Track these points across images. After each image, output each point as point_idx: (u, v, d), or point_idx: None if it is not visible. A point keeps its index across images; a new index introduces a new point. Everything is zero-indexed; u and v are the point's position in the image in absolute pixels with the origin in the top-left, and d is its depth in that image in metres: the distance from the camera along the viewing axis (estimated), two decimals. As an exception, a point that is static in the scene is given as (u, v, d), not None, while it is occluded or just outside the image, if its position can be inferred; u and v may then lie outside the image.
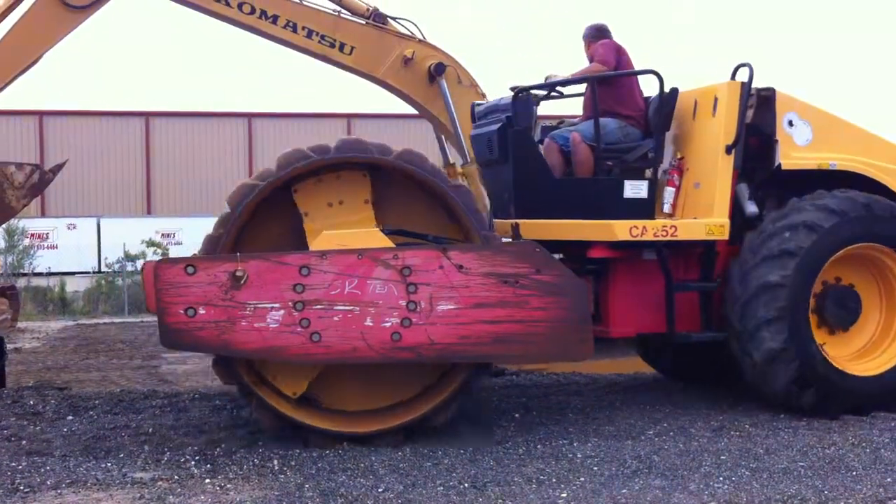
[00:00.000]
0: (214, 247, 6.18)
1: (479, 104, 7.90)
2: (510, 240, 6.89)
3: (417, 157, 6.38)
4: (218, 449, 6.28)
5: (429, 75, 8.82)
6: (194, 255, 6.25)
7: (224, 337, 5.88)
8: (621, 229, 6.88)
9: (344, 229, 6.31)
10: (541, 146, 7.46)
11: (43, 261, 25.86)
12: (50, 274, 25.22)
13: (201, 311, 5.85)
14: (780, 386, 6.98)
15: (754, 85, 7.29)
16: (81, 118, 33.45)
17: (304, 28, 8.53)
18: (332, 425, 6.34)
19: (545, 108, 8.14)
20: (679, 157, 7.49)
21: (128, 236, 25.07)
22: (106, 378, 10.21)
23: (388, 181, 6.52)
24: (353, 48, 8.67)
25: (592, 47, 7.66)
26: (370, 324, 5.99)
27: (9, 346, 10.64)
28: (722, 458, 5.93)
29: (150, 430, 6.97)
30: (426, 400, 6.47)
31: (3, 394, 8.59)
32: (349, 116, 34.76)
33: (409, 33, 8.84)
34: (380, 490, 5.29)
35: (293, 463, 5.90)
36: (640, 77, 7.55)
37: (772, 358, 6.90)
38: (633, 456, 5.99)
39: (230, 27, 8.53)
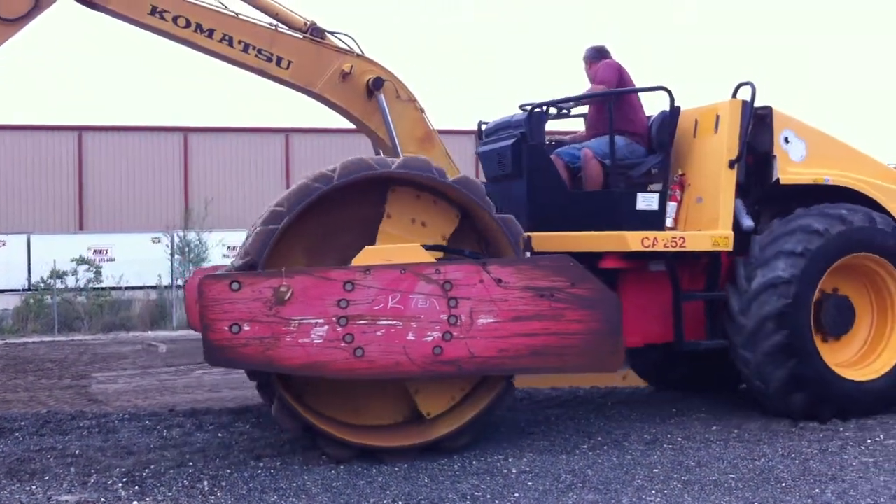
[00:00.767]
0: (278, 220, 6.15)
1: (486, 122, 8.27)
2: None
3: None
4: (146, 470, 6.15)
5: (367, 90, 8.78)
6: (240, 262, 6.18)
7: (269, 353, 5.85)
8: (634, 240, 7.13)
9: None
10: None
11: (-30, 279, 25.25)
12: (-23, 292, 24.62)
13: (246, 327, 5.82)
14: (775, 384, 7.20)
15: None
16: (12, 132, 32.70)
17: (240, 42, 8.41)
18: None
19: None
20: (680, 173, 7.83)
21: (58, 253, 24.53)
22: (34, 398, 9.97)
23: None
24: (290, 62, 8.58)
25: (594, 68, 8.04)
26: (412, 338, 6.05)
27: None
28: (655, 471, 5.97)
29: (77, 451, 6.79)
30: (452, 418, 6.52)
31: (-77, 416, 8.33)
32: (287, 131, 34.54)
33: (348, 48, 8.81)
34: (312, 510, 5.23)
35: (224, 483, 5.80)
36: (645, 95, 7.91)
37: (771, 354, 7.15)
38: (567, 470, 6.00)
39: (166, 41, 8.41)
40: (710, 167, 7.63)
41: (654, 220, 7.48)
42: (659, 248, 7.21)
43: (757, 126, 7.71)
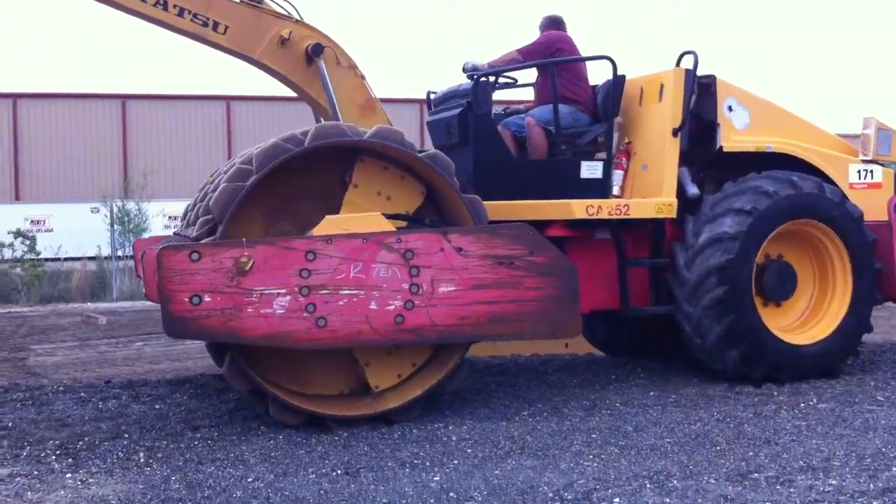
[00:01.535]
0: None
1: (434, 92, 8.24)
2: None
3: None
4: (81, 443, 6.06)
5: (306, 56, 8.65)
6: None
7: (230, 324, 5.78)
8: (578, 208, 7.18)
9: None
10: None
11: None
12: None
13: (207, 298, 5.73)
14: (712, 339, 7.36)
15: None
16: (-58, 100, 31.90)
17: (175, 6, 8.20)
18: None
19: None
20: (627, 141, 7.90)
21: (-7, 223, 24.01)
22: (-34, 372, 9.74)
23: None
24: (227, 27, 8.40)
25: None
26: (374, 307, 6.06)
27: None
28: (593, 436, 6.02)
29: (10, 424, 6.66)
30: (400, 393, 6.52)
31: None
32: (228, 99, 34.09)
33: (286, 13, 8.66)
34: (249, 480, 5.18)
35: (160, 455, 5.73)
36: (591, 65, 7.95)
37: (711, 307, 7.28)
38: (506, 437, 6.03)
39: (100, 5, 8.19)
40: (654, 135, 7.71)
41: (598, 188, 7.54)
42: (603, 215, 7.27)
43: (701, 94, 7.78)
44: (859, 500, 4.60)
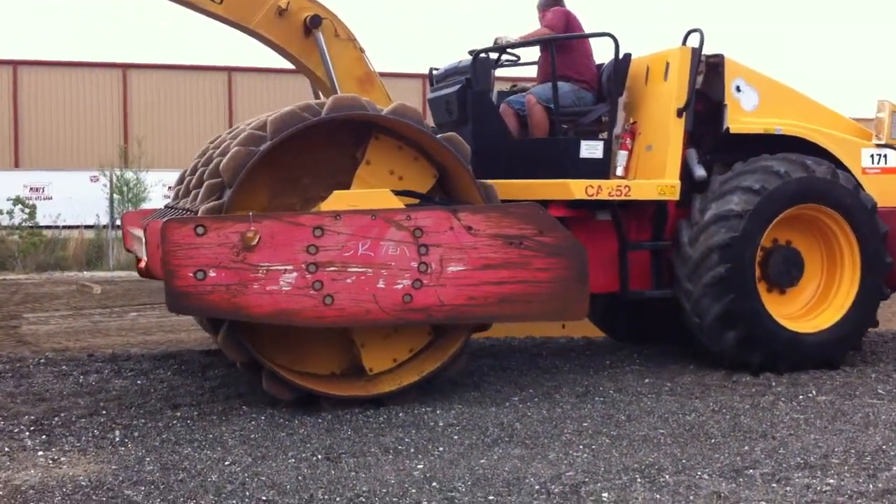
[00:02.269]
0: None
1: (436, 69, 8.07)
2: None
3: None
4: (56, 419, 5.89)
5: (304, 28, 8.46)
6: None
7: (235, 300, 5.62)
8: (577, 188, 7.01)
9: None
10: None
11: None
12: None
13: (211, 273, 5.57)
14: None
15: (705, 52, 7.49)
16: (-58, 65, 31.61)
17: (173, -25, 8.02)
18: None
19: (500, 73, 8.28)
20: (632, 121, 7.71)
21: (-7, 190, 23.82)
22: (-46, 340, 9.58)
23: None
24: None
25: (545, 14, 7.85)
26: (382, 286, 5.91)
27: None
28: (584, 424, 5.84)
29: (-13, 397, 6.50)
30: (395, 377, 6.37)
31: None
32: (230, 70, 33.78)
33: None
34: (226, 463, 5.00)
35: (136, 434, 5.56)
36: (594, 43, 7.75)
37: (711, 285, 7.10)
38: (495, 423, 5.85)
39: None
40: (659, 115, 7.51)
41: (599, 168, 7.36)
42: (603, 196, 7.10)
43: (708, 74, 7.59)
44: (857, 501, 4.40)
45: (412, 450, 5.30)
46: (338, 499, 4.44)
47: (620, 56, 7.50)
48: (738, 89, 7.60)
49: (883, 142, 8.04)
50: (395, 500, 4.44)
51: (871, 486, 4.62)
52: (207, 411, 6.12)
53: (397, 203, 6.16)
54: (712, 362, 7.49)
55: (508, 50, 7.90)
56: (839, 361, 7.50)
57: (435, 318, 6.13)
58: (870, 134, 8.14)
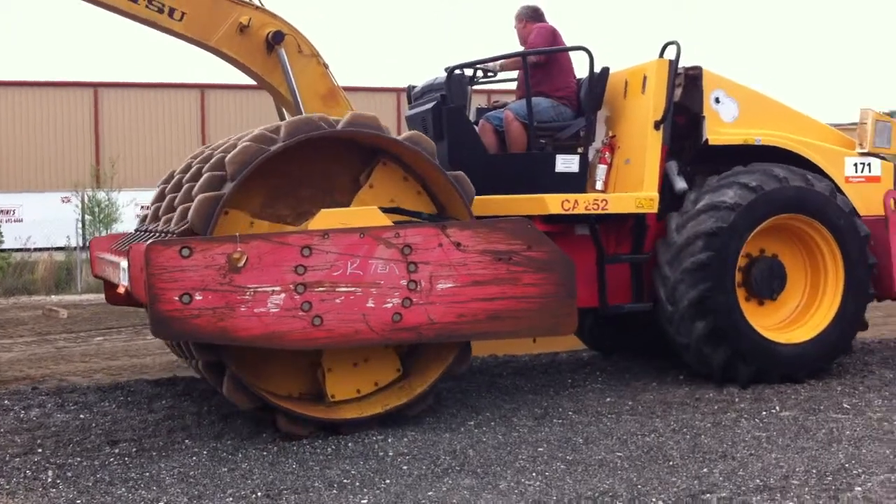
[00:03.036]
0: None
1: (414, 86, 7.97)
2: None
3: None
4: (-12, 459, 5.64)
5: (267, 44, 8.27)
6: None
7: (222, 324, 5.44)
8: (553, 203, 6.94)
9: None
10: (476, 128, 7.51)
11: None
12: None
13: (197, 296, 5.38)
14: (695, 338, 7.06)
15: (683, 64, 7.43)
16: None
17: (129, -7, 7.81)
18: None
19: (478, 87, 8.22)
20: (611, 135, 7.62)
21: (-39, 213, 23.49)
22: None
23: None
24: (183, 14, 8.01)
25: (528, 28, 7.76)
26: (372, 305, 5.79)
27: None
28: (539, 449, 5.64)
29: (-78, 437, 6.25)
30: (358, 407, 6.17)
31: None
32: (203, 87, 33.53)
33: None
34: (161, 503, 4.78)
35: (69, 474, 5.31)
36: (575, 57, 7.64)
37: (691, 307, 6.99)
38: (447, 451, 5.64)
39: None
40: (637, 128, 7.41)
41: (574, 183, 7.25)
42: (580, 210, 7.00)
43: (687, 87, 7.50)
44: (814, 527, 4.22)
45: (357, 483, 5.08)
46: (270, 542, 4.22)
47: (597, 70, 7.42)
48: (717, 101, 7.50)
49: (866, 150, 7.90)
50: (330, 541, 4.22)
51: (829, 510, 4.44)
52: (147, 447, 5.88)
53: (384, 220, 6.03)
54: (676, 362, 7.44)
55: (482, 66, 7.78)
56: (804, 376, 7.31)
57: (425, 337, 5.99)
58: (852, 142, 8.00)
